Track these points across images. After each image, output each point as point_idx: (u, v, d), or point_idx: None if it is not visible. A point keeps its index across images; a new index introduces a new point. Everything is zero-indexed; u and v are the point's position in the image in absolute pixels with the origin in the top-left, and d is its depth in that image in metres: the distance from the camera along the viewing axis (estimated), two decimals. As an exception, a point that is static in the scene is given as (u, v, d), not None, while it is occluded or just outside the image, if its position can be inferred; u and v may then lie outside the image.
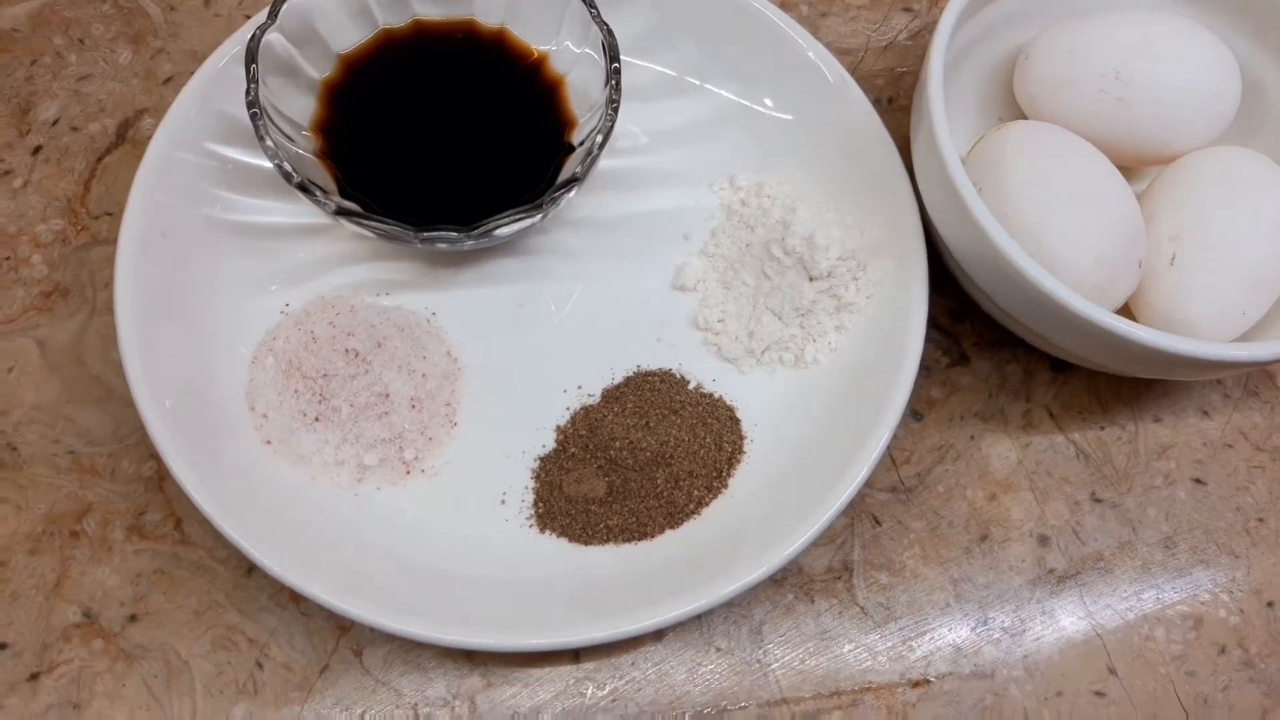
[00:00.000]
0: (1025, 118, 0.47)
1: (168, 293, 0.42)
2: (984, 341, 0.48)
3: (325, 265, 0.45)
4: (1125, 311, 0.44)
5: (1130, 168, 0.46)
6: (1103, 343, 0.40)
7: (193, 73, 0.49)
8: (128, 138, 0.49)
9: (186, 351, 0.42)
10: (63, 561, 0.42)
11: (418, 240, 0.40)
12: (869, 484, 0.44)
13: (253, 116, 0.40)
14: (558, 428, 0.43)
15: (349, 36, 0.45)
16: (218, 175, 0.44)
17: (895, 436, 0.43)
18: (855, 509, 0.44)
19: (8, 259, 0.46)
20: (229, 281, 0.44)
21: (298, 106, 0.44)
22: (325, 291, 0.44)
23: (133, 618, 0.41)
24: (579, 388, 0.44)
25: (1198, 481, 0.46)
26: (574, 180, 0.41)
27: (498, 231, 0.41)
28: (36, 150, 0.48)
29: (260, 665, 0.40)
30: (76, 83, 0.50)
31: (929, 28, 0.54)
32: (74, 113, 0.49)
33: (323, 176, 0.43)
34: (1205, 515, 0.45)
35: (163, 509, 0.42)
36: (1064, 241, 0.41)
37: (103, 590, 0.41)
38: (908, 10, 0.54)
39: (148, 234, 0.42)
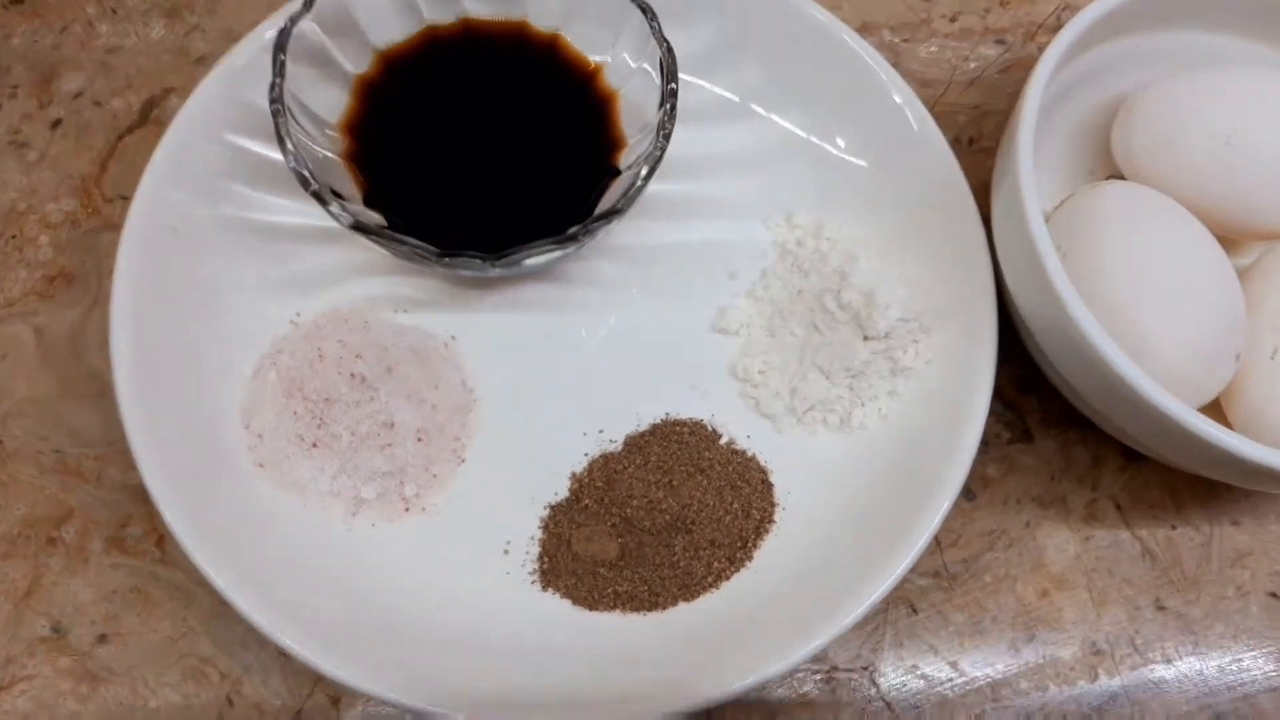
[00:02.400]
0: (1120, 175, 0.43)
1: (171, 292, 0.39)
2: (1051, 418, 0.43)
3: (343, 274, 0.42)
4: (1215, 407, 0.39)
5: (1233, 240, 0.42)
6: (1186, 445, 0.36)
7: (226, 53, 0.46)
8: (151, 118, 0.46)
9: (184, 357, 0.39)
10: (36, 569, 0.39)
11: (439, 264, 0.37)
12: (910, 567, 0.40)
13: (274, 114, 0.37)
14: (573, 474, 0.40)
15: (391, 31, 0.42)
16: (237, 169, 0.41)
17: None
18: (891, 592, 0.40)
19: (14, 238, 0.44)
20: (239, 285, 0.41)
21: (328, 102, 0.41)
22: (340, 303, 0.41)
23: (103, 637, 0.38)
24: (600, 432, 0.40)
25: (1274, 596, 0.41)
26: (614, 212, 0.37)
27: (526, 262, 0.37)
28: (56, 124, 0.46)
29: (231, 702, 0.38)
30: (105, 54, 0.47)
31: (1021, 63, 0.49)
32: (99, 86, 0.46)
33: (346, 181, 0.40)
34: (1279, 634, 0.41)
35: (145, 523, 0.40)
36: (1154, 325, 0.36)
37: (75, 604, 0.39)
38: (1000, 42, 0.50)
39: (156, 228, 0.39)
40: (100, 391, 0.41)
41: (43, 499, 0.40)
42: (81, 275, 0.43)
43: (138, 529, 0.40)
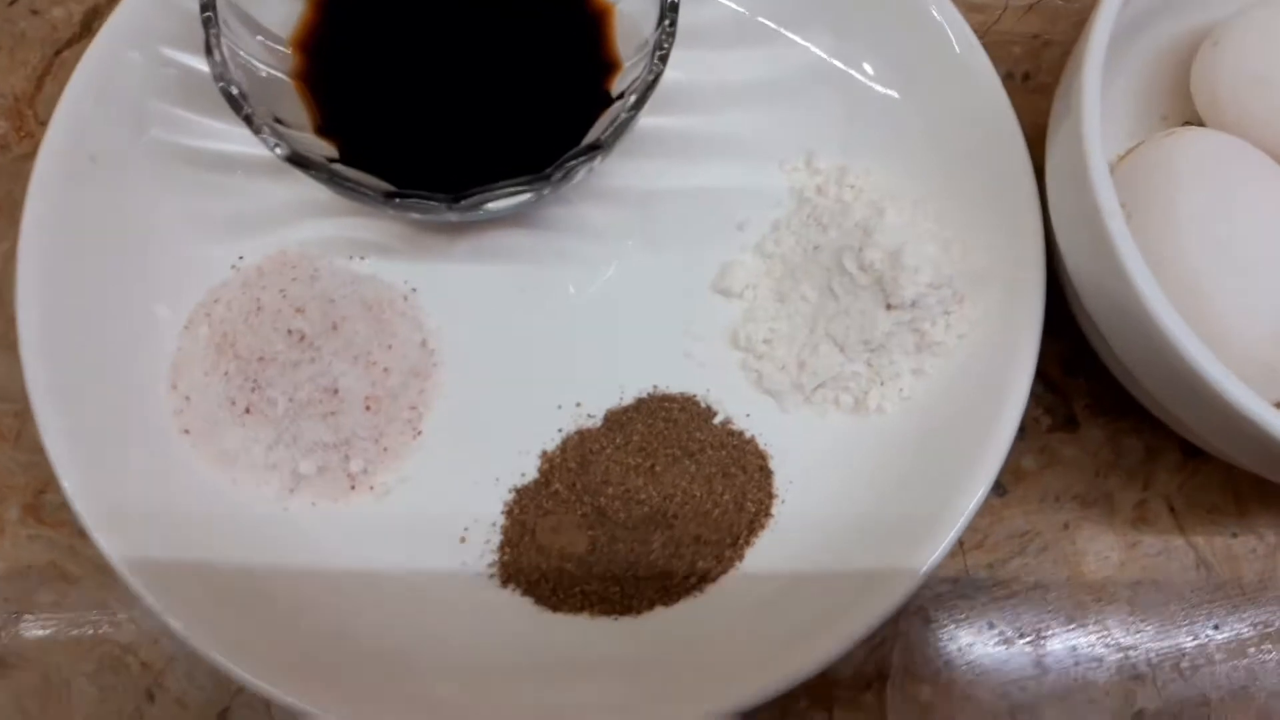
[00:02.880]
0: (1198, 121, 0.37)
1: (92, 229, 0.34)
2: (1100, 403, 0.38)
3: (293, 213, 0.37)
4: (1301, 402, 0.33)
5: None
6: (1260, 447, 0.30)
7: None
8: (93, 28, 0.41)
9: (106, 306, 0.34)
10: (-54, 537, 0.35)
11: (389, 206, 0.31)
12: (926, 570, 0.35)
13: (205, 22, 0.32)
14: (544, 453, 0.35)
15: (354, -70, 0.36)
16: (172, 88, 0.36)
17: (969, 513, 0.34)
18: (904, 604, 0.35)
19: (-65, 160, 0.39)
20: (172, 222, 0.36)
21: (279, 11, 0.36)
22: (288, 245, 0.36)
23: (15, 616, 0.34)
24: (578, 405, 0.35)
25: (1349, 618, 0.36)
26: (595, 148, 0.32)
27: (490, 205, 0.32)
28: (-14, 33, 0.41)
29: (151, 697, 0.34)
30: (44, -46, 0.42)
31: (1089, -13, 0.43)
32: (35, -9, 0.41)
33: (295, 104, 0.35)
34: (1353, 663, 0.36)
35: (66, 489, 0.35)
36: (1234, 302, 0.31)
37: (-14, 578, 0.35)
38: (1066, -38, 0.43)
39: (75, 157, 0.34)
40: (23, 339, 0.37)
41: (-46, 459, 0.36)
42: (9, 207, 0.39)
43: (57, 496, 0.35)
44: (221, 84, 0.31)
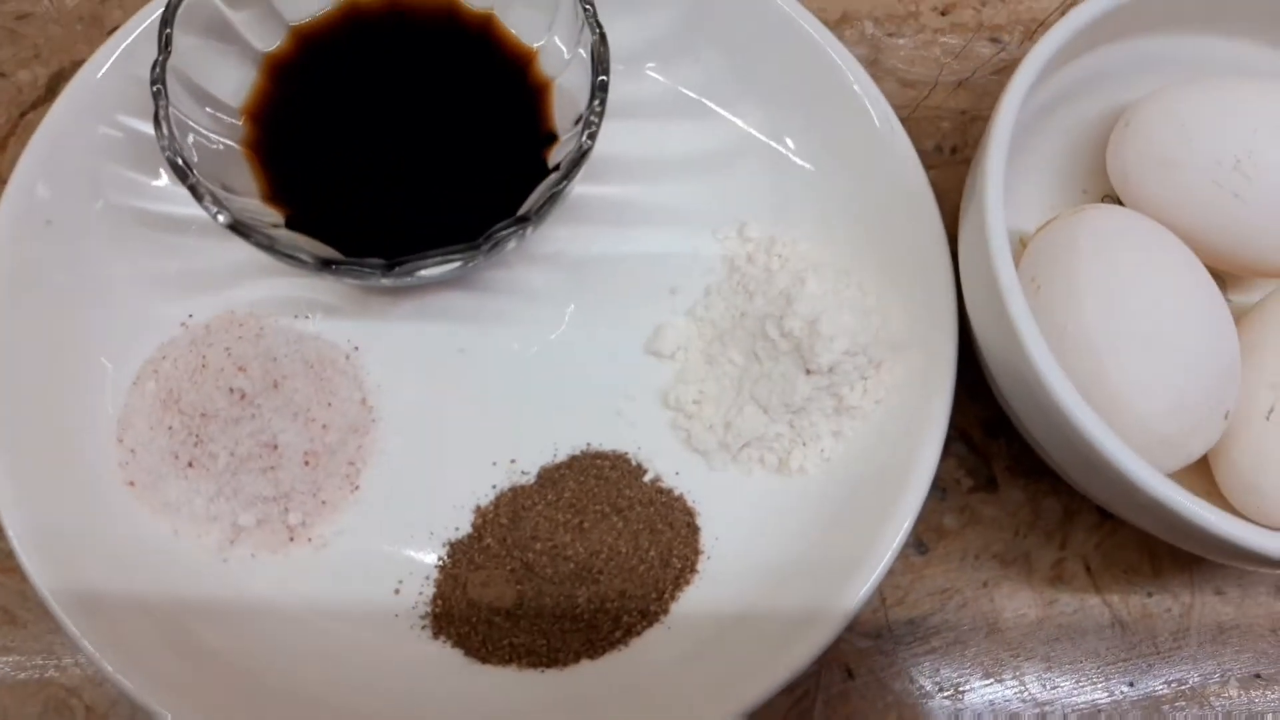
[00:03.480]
0: (1116, 197, 0.38)
1: (46, 287, 0.36)
2: (1020, 466, 0.39)
3: (242, 274, 0.38)
4: (1201, 466, 0.34)
5: (1234, 275, 0.37)
6: (1156, 515, 0.31)
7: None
8: (58, 92, 0.42)
9: (57, 360, 0.35)
10: (-108, 584, 0.36)
11: (326, 272, 0.33)
12: (849, 626, 0.36)
13: (155, 95, 0.33)
14: (477, 508, 0.36)
15: (307, 4, 0.38)
16: (127, 154, 0.38)
17: (890, 571, 0.35)
18: (826, 654, 0.36)
19: (-99, 217, 0.40)
20: (125, 281, 0.37)
21: (231, 83, 0.37)
22: (237, 305, 0.38)
23: (-40, 661, 0.35)
24: (512, 462, 0.37)
25: (1257, 677, 0.37)
26: (525, 220, 0.33)
27: (425, 273, 0.33)
28: (-45, 95, 0.42)
29: (91, 741, 0.35)
30: (15, 21, 0.44)
31: (1017, 65, 0.44)
32: (4, 55, 0.43)
33: (244, 174, 0.36)
34: (1261, 720, 0.37)
35: (15, 537, 0.36)
36: (1132, 376, 0.32)
37: (-68, 627, 0.36)
38: (995, 40, 0.45)
39: (31, 219, 0.36)
40: (-21, 389, 0.38)
41: (-95, 506, 0.37)
42: (-31, 263, 0.40)
43: (5, 544, 0.36)
44: (168, 154, 0.33)
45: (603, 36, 0.35)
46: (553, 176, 0.34)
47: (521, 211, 0.34)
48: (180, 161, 0.33)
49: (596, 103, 0.34)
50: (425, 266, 0.33)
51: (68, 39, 0.43)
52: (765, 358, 0.36)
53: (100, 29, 0.43)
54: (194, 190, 0.32)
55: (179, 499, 0.34)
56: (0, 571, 0.36)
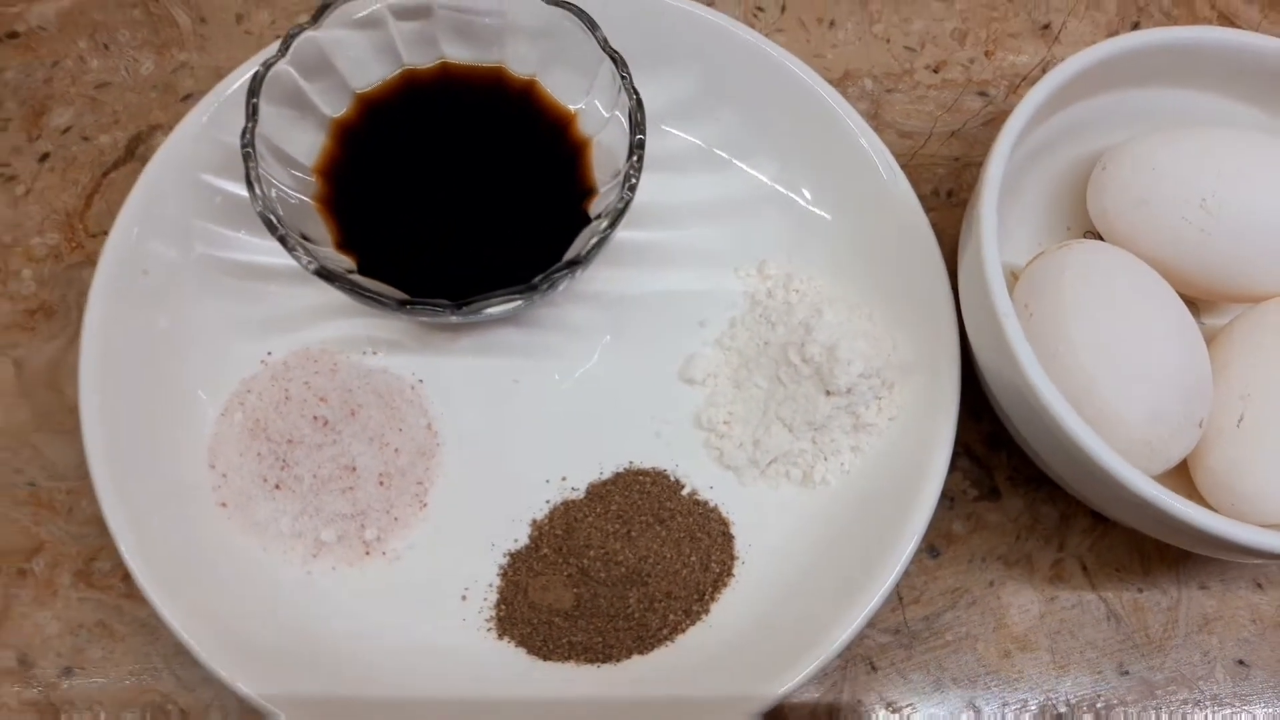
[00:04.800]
0: (1096, 233, 0.43)
1: (142, 330, 0.40)
2: (1020, 476, 0.43)
3: (315, 315, 0.42)
4: (1181, 471, 0.39)
5: (1204, 300, 0.42)
6: (1144, 513, 0.35)
7: (213, 91, 0.47)
8: (137, 154, 0.47)
9: (153, 396, 0.39)
10: (5, 600, 0.40)
11: (402, 312, 0.37)
12: (870, 623, 0.40)
13: (245, 157, 0.38)
14: (534, 521, 0.40)
15: (369, 74, 0.43)
16: (212, 209, 0.42)
17: (906, 573, 0.39)
18: (851, 649, 0.40)
19: (-2, 269, 0.45)
20: (211, 323, 0.41)
21: (304, 144, 0.41)
22: (311, 343, 0.42)
23: (67, 670, 0.39)
24: (563, 479, 0.41)
25: (1240, 663, 0.41)
26: (575, 264, 0.38)
27: (488, 310, 0.38)
28: (44, 158, 0.47)
29: (188, 740, 0.38)
30: (94, 90, 0.48)
31: (1004, 115, 0.49)
32: (87, 121, 0.47)
33: (319, 225, 0.40)
34: (1244, 702, 0.40)
35: (113, 557, 0.40)
36: (1117, 390, 0.36)
37: (41, 637, 0.39)
38: (982, 94, 0.50)
39: (130, 268, 0.40)
40: (76, 425, 0.41)
41: (15, 531, 0.40)
42: (62, 309, 0.44)
43: (105, 563, 0.40)
44: (260, 211, 0.37)
45: (639, 102, 0.39)
46: (599, 224, 0.38)
47: (570, 256, 0.38)
48: (271, 217, 0.37)
49: (635, 158, 0.39)
50: (490, 305, 0.37)
51: (143, 105, 0.48)
52: (788, 381, 0.40)
53: (173, 95, 0.48)
54: (284, 241, 0.37)
55: (267, 518, 0.38)
56: (99, 590, 0.40)
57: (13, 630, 0.39)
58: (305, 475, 0.38)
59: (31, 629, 0.39)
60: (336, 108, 0.42)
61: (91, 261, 0.44)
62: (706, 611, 0.38)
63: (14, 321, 0.44)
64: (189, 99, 0.48)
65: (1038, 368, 0.35)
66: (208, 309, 0.41)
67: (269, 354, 0.41)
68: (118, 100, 0.48)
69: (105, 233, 0.44)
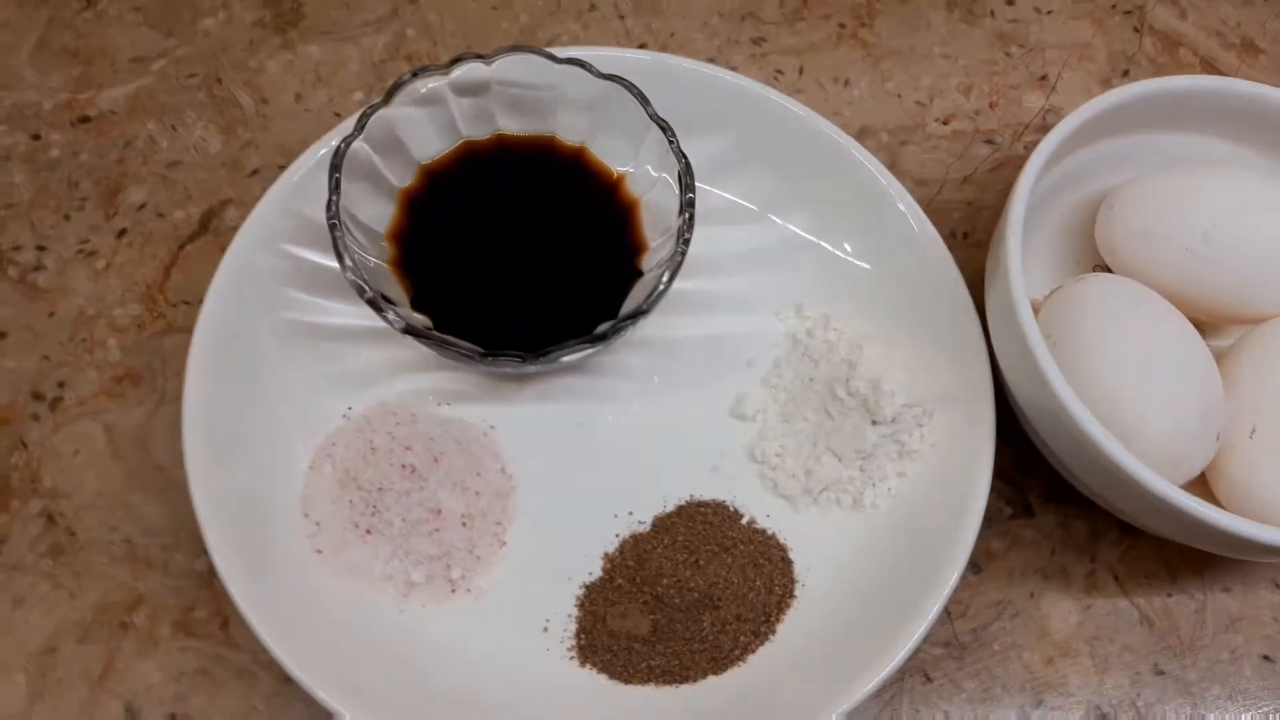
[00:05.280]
0: (1105, 264, 0.46)
1: (235, 391, 0.42)
2: (1050, 494, 0.46)
3: (390, 371, 0.45)
4: (1201, 482, 0.42)
5: (1209, 324, 0.45)
6: (1174, 520, 0.38)
7: (278, 166, 0.50)
8: (210, 227, 0.50)
9: (248, 452, 0.42)
10: (110, 653, 0.42)
11: (482, 363, 0.40)
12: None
13: (331, 228, 0.41)
14: (605, 554, 0.43)
15: (432, 146, 0.46)
16: (292, 277, 0.45)
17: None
18: (906, 663, 0.43)
19: (84, 340, 0.47)
20: (295, 382, 0.44)
21: (376, 213, 0.45)
22: (388, 398, 0.45)
23: (172, 717, 0.41)
24: (630, 513, 0.43)
25: (1266, 659, 0.44)
26: (641, 312, 0.41)
27: (563, 359, 0.41)
28: (121, 234, 0.50)
29: (291, 778, 0.40)
30: (166, 168, 0.51)
31: (1010, 161, 0.53)
32: (160, 198, 0.50)
33: (394, 287, 0.44)
34: (1272, 695, 0.43)
35: (210, 607, 0.42)
36: (1139, 408, 0.40)
37: (145, 686, 0.41)
38: (990, 142, 0.54)
39: (221, 336, 0.42)
40: (166, 485, 0.45)
41: (114, 586, 0.43)
42: (148, 375, 0.47)
43: (203, 613, 0.42)
44: (351, 277, 0.40)
45: (688, 165, 0.43)
46: (660, 276, 0.41)
47: (633, 307, 0.42)
48: (361, 283, 0.40)
49: (688, 216, 0.42)
50: (565, 354, 0.40)
51: (213, 182, 0.51)
52: (836, 414, 0.44)
53: (241, 171, 0.51)
54: (374, 304, 0.40)
55: (360, 562, 0.41)
56: (199, 639, 0.42)
57: (118, 681, 0.42)
58: (395, 520, 0.41)
59: (136, 679, 0.42)
60: (404, 178, 0.45)
61: (173, 329, 0.48)
62: (773, 632, 0.41)
63: (102, 389, 0.46)
64: (256, 174, 0.51)
65: (1069, 390, 0.38)
66: (291, 369, 0.44)
67: (349, 409, 0.44)
68: (188, 177, 0.51)
69: (185, 302, 0.48)
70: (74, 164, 0.51)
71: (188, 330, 0.46)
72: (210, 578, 0.43)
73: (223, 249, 0.48)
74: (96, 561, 0.43)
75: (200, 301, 0.47)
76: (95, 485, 0.45)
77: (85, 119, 0.52)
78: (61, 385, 0.46)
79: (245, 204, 0.50)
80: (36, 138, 0.52)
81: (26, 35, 0.54)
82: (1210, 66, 0.56)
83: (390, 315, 0.40)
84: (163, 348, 0.47)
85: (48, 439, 0.45)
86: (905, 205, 0.46)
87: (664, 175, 0.44)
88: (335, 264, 0.44)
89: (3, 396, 0.46)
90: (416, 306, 0.44)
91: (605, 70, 0.44)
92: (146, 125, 0.52)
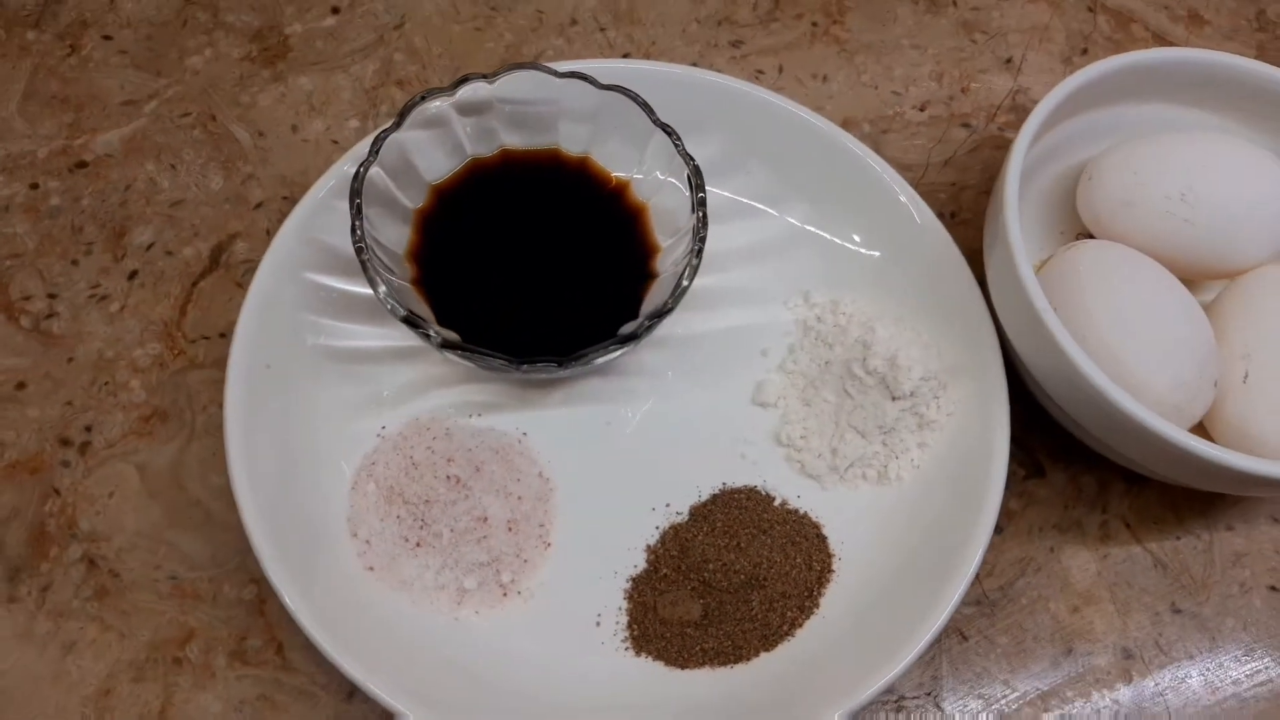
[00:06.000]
0: (1088, 234, 0.49)
1: (272, 420, 0.43)
2: (1058, 453, 0.48)
3: (419, 388, 0.46)
4: (1200, 428, 0.45)
5: (1191, 280, 0.48)
6: (1182, 462, 0.41)
7: (282, 197, 0.51)
8: (221, 261, 0.50)
9: (290, 478, 0.43)
10: (166, 689, 0.42)
11: (516, 371, 0.41)
12: (953, 598, 0.45)
13: (359, 251, 0.42)
14: (648, 547, 0.44)
15: (441, 167, 0.47)
16: (315, 303, 0.46)
17: (977, 550, 0.44)
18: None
19: (106, 384, 0.48)
20: (328, 406, 0.45)
21: (394, 235, 0.46)
22: (420, 414, 0.46)
23: (236, 745, 0.42)
24: (667, 505, 0.45)
25: (1273, 589, 0.47)
26: (665, 311, 0.42)
27: (594, 361, 0.42)
28: (132, 275, 0.50)
29: (363, 793, 0.41)
30: (170, 208, 0.52)
31: (987, 142, 0.56)
32: (168, 237, 0.51)
33: (419, 305, 0.45)
34: (1281, 622, 0.46)
35: (264, 634, 0.43)
36: (1141, 363, 0.42)
37: (206, 718, 0.42)
38: (965, 125, 0.56)
39: (253, 367, 0.43)
40: (204, 518, 0.45)
41: (165, 623, 0.43)
42: (175, 412, 0.47)
43: (257, 640, 0.43)
44: (384, 298, 0.41)
45: (696, 167, 0.44)
46: (674, 273, 0.43)
47: (654, 308, 0.43)
48: (395, 304, 0.41)
49: (701, 215, 0.44)
50: (594, 356, 0.42)
51: (218, 217, 0.51)
52: (855, 393, 0.45)
53: (245, 205, 0.52)
54: (409, 323, 0.41)
55: (412, 575, 0.42)
56: (255, 666, 0.43)
57: (178, 715, 0.42)
58: (444, 531, 0.42)
59: (196, 712, 0.42)
60: (416, 199, 0.47)
61: (195, 365, 0.48)
62: (817, 606, 0.43)
63: (131, 429, 0.47)
64: (261, 207, 0.52)
65: (1078, 348, 0.40)
66: (322, 393, 0.45)
67: (383, 428, 0.45)
68: (193, 215, 0.51)
69: (205, 337, 0.48)
70: (76, 210, 0.51)
71: (210, 365, 0.47)
72: (260, 605, 0.43)
73: (236, 283, 0.49)
74: (144, 600, 0.44)
75: (220, 335, 0.48)
76: (134, 525, 0.45)
77: (82, 164, 0.53)
78: (89, 429, 0.47)
79: (253, 237, 0.51)
80: (35, 186, 0.52)
81: (11, 85, 0.54)
82: (1162, 39, 0.60)
83: (430, 332, 0.41)
84: (187, 383, 0.48)
85: (80, 483, 0.46)
86: (902, 189, 0.48)
87: (670, 178, 0.46)
88: (355, 288, 0.45)
89: (30, 446, 0.46)
90: (441, 323, 0.45)
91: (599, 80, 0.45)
92: (145, 166, 0.53)
